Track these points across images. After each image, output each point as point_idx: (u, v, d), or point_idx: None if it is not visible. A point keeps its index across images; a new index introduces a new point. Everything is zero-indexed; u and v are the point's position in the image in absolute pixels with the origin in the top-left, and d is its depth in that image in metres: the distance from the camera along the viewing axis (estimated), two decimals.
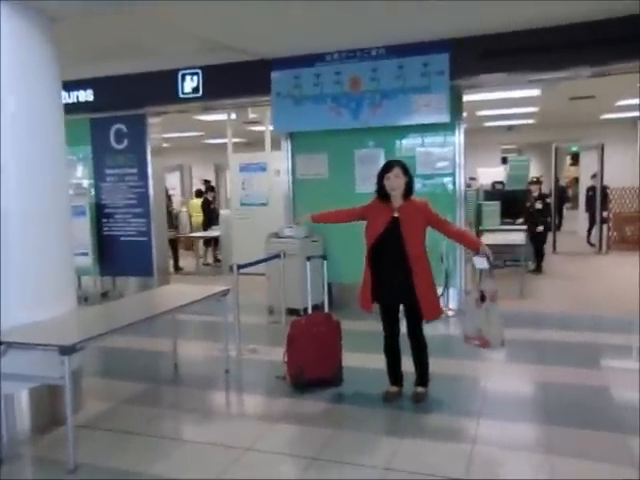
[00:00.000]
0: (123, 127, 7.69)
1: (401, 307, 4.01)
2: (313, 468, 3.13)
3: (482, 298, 3.74)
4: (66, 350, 3.09)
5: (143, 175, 7.69)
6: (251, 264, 5.67)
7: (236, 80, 6.87)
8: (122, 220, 7.87)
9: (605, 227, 11.43)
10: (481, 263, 3.76)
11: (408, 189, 3.87)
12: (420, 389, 3.96)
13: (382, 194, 3.92)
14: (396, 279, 3.88)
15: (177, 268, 10.27)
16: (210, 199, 11.35)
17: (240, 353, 5.12)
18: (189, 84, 7.07)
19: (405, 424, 3.63)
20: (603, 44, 5.62)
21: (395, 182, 3.81)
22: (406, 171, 3.86)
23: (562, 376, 4.39)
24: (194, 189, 13.46)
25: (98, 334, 3.40)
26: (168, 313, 4.25)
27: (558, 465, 3.05)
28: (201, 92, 7.06)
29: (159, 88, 7.25)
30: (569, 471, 3.00)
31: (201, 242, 10.98)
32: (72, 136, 7.62)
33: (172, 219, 10.70)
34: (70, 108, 7.65)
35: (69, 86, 7.60)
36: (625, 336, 5.51)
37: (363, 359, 4.76)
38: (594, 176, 11.59)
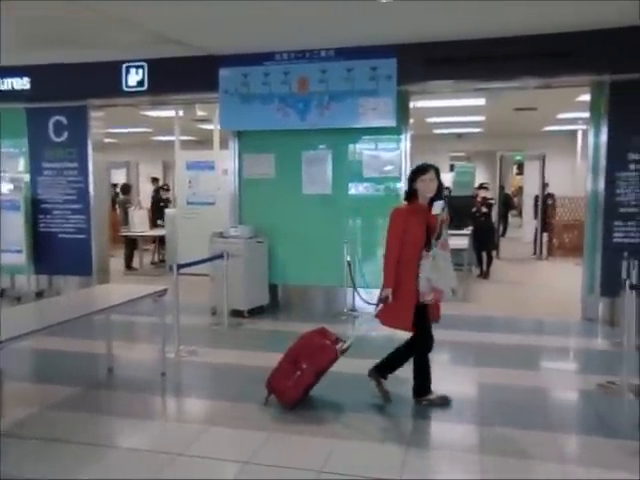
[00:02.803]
0: (63, 119, 7.38)
1: None
2: (245, 472, 3.05)
3: (429, 248, 3.71)
4: None
5: (83, 170, 7.40)
6: (192, 264, 5.54)
7: (183, 75, 6.74)
8: (60, 216, 7.54)
9: (546, 234, 11.85)
10: (437, 208, 3.71)
11: (438, 193, 3.76)
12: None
13: (411, 195, 3.79)
14: None
15: (129, 267, 9.97)
16: (163, 197, 11.05)
17: (178, 355, 4.99)
18: (134, 77, 6.86)
19: (340, 426, 3.60)
20: (549, 57, 5.81)
21: (432, 185, 3.71)
22: (438, 175, 3.77)
23: (501, 377, 4.48)
24: (140, 186, 13.13)
25: (19, 334, 3.21)
26: (100, 313, 4.07)
27: (488, 464, 3.08)
28: (146, 86, 6.87)
29: (102, 80, 7.01)
30: (499, 470, 3.03)
31: (149, 241, 10.68)
32: (6, 126, 7.38)
33: (126, 217, 10.39)
34: (2, 96, 7.35)
35: (2, 72, 7.26)
36: (563, 338, 5.70)
37: None
38: (545, 184, 11.99)
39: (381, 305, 3.79)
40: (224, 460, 3.21)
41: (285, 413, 3.78)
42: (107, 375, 4.63)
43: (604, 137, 5.98)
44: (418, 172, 3.75)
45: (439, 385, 4.02)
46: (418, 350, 3.86)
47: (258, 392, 4.21)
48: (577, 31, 5.61)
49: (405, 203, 3.88)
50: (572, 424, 3.68)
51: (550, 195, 11.98)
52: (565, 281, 7.99)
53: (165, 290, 4.52)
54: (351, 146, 6.62)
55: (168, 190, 11.46)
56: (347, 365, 4.79)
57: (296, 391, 3.78)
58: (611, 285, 5.59)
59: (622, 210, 5.95)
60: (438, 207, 3.71)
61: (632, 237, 5.91)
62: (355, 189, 6.67)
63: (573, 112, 9.92)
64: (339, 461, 3.14)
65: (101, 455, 3.24)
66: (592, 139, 6.14)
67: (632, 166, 5.88)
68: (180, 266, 5.25)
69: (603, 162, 6.00)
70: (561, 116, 11.02)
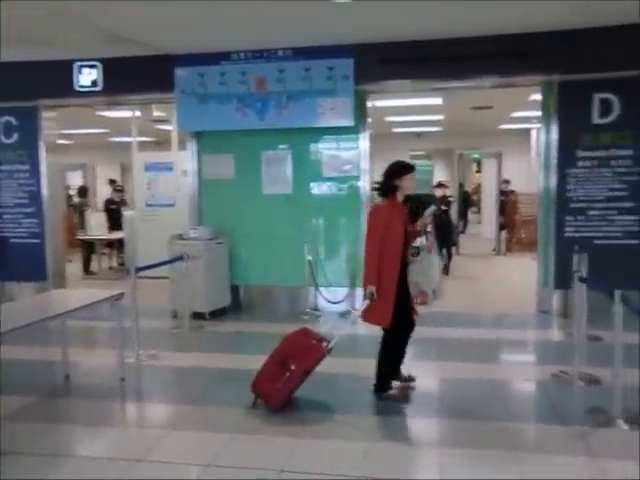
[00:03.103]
0: (12, 120, 7.14)
1: None
2: (206, 474, 3.03)
3: (417, 253, 3.97)
4: None
5: (35, 172, 7.18)
6: (150, 267, 5.46)
7: (139, 75, 6.62)
8: (11, 220, 7.29)
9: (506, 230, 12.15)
10: (429, 212, 4.03)
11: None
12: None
13: (390, 192, 3.83)
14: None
15: (87, 272, 9.73)
16: (117, 200, 10.79)
17: (138, 360, 4.90)
18: (87, 77, 6.70)
19: (301, 425, 3.61)
20: (503, 57, 5.95)
21: (414, 183, 3.85)
22: None
23: (461, 371, 4.59)
24: (97, 189, 12.82)
25: None
26: (55, 318, 3.97)
27: (446, 456, 3.15)
28: (101, 86, 6.71)
29: (53, 79, 6.82)
30: (457, 461, 3.10)
31: (106, 245, 10.43)
32: None
33: (83, 220, 10.12)
34: None
35: None
36: (519, 331, 5.86)
37: None
38: (505, 182, 12.25)
39: (367, 302, 3.77)
40: (185, 464, 3.18)
41: (247, 414, 3.77)
42: (64, 383, 4.51)
43: (554, 135, 6.17)
44: (404, 170, 3.82)
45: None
46: (390, 341, 3.90)
47: (220, 394, 4.21)
48: (529, 32, 5.78)
49: (379, 199, 3.95)
50: (526, 414, 3.80)
51: (512, 192, 12.25)
52: (522, 275, 8.20)
53: (122, 294, 4.44)
54: (310, 146, 6.64)
55: (121, 191, 11.08)
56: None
57: (284, 393, 3.73)
58: (564, 278, 5.78)
59: (572, 205, 6.16)
60: (430, 212, 3.95)
61: (582, 231, 6.12)
62: (315, 188, 6.69)
63: (527, 111, 10.19)
64: (300, 460, 3.15)
65: (60, 465, 3.16)
66: (543, 137, 6.34)
67: (581, 163, 6.09)
68: (138, 269, 5.16)
69: (554, 159, 6.19)
70: (516, 115, 11.31)
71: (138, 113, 8.91)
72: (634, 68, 5.72)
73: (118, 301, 4.41)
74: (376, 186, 4.09)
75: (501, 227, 12.02)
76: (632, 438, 3.29)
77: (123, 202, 10.74)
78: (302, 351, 3.78)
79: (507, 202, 12.13)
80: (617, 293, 3.43)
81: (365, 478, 2.95)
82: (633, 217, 6.03)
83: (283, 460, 3.14)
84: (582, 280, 4.42)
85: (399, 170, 3.82)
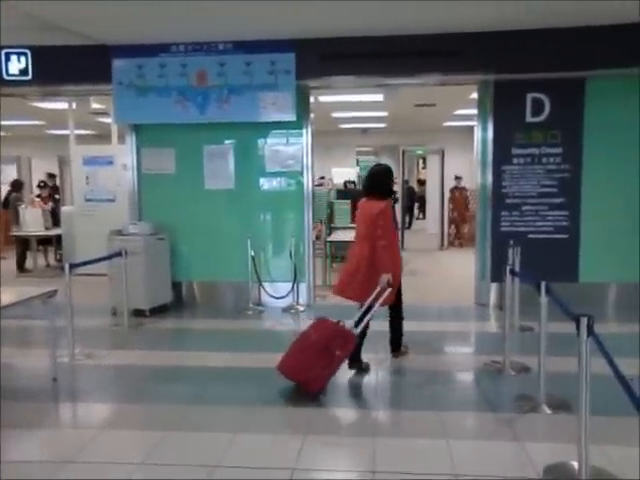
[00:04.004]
0: None
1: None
2: (138, 473, 2.97)
3: None
4: None
5: None
6: (86, 263, 5.30)
7: (74, 65, 6.37)
8: None
9: (447, 226, 12.47)
10: None
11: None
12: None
13: (388, 194, 4.47)
14: None
15: (22, 269, 9.32)
16: (44, 195, 10.32)
17: (73, 359, 4.76)
18: (15, 65, 6.37)
19: (238, 419, 3.59)
20: (443, 56, 6.06)
21: None
22: None
23: (400, 363, 4.69)
24: (33, 183, 12.27)
25: None
26: None
27: (379, 447, 3.22)
28: (31, 75, 6.40)
29: None
30: (389, 451, 3.17)
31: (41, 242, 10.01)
32: None
33: (17, 216, 9.65)
34: None
35: None
36: (456, 323, 6.03)
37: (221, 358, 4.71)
38: (457, 178, 12.53)
39: (389, 290, 4.19)
40: (116, 463, 3.10)
41: (182, 412, 3.73)
42: None
43: (490, 133, 6.38)
44: (392, 174, 4.52)
45: (346, 374, 4.14)
46: (398, 313, 4.68)
47: (157, 391, 4.14)
48: (467, 32, 5.92)
49: (365, 198, 4.47)
50: (459, 403, 3.91)
51: (463, 188, 12.54)
52: (462, 269, 8.44)
53: (55, 291, 4.29)
54: (253, 140, 6.60)
55: (44, 187, 10.47)
56: (247, 360, 4.82)
57: (328, 378, 3.93)
58: (499, 271, 5.95)
59: (508, 201, 6.39)
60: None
61: (516, 226, 6.36)
62: (258, 183, 6.67)
63: (468, 109, 10.46)
64: (236, 454, 3.15)
65: None
66: (480, 134, 6.53)
67: (515, 160, 6.32)
68: (72, 266, 5.00)
69: (490, 156, 6.40)
70: (458, 112, 11.58)
71: (75, 105, 8.58)
72: (563, 70, 5.97)
73: (51, 299, 4.26)
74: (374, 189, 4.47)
75: (450, 222, 12.34)
76: (554, 422, 3.46)
77: (48, 198, 10.21)
78: (341, 338, 3.99)
79: (459, 198, 12.45)
80: (542, 285, 3.59)
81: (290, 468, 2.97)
82: (563, 212, 6.31)
83: (219, 455, 3.12)
84: (513, 273, 4.59)
85: (391, 174, 4.51)
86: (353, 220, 9.55)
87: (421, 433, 3.37)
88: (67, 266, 4.89)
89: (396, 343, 4.76)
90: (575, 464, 2.77)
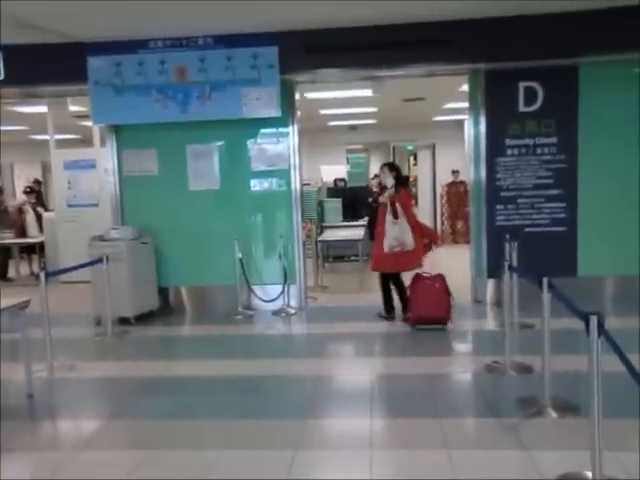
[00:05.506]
0: None
1: None
2: None
3: (395, 217, 5.49)
4: None
5: None
6: (64, 271, 5.09)
7: (48, 64, 6.05)
8: None
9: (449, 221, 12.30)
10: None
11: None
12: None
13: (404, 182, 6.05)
14: None
15: (4, 278, 9.03)
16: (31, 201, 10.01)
17: (51, 373, 4.50)
18: None
19: (225, 434, 3.37)
20: (431, 45, 5.83)
21: None
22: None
23: (395, 366, 4.51)
24: (18, 190, 11.95)
25: None
26: None
27: (377, 458, 3.00)
28: (3, 75, 6.10)
29: None
30: (388, 463, 2.96)
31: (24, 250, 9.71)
32: None
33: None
34: None
35: None
36: (456, 322, 5.80)
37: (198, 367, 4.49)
38: (455, 172, 12.32)
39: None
40: None
41: (167, 428, 3.50)
42: None
43: (483, 124, 6.18)
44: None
45: (337, 375, 3.90)
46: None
47: (140, 406, 3.91)
48: (455, 20, 5.70)
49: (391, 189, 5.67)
50: (460, 408, 3.69)
51: (461, 182, 12.33)
52: (458, 265, 8.24)
53: (28, 301, 4.04)
54: (238, 139, 6.38)
55: (30, 192, 10.15)
56: (236, 368, 4.60)
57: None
58: (496, 267, 5.77)
59: (502, 194, 6.20)
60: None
61: (512, 220, 6.17)
62: (244, 183, 6.44)
63: (458, 102, 10.27)
64: (222, 470, 2.92)
65: None
66: (472, 127, 6.34)
67: (509, 152, 6.13)
68: (49, 274, 4.75)
69: (483, 149, 6.20)
70: (448, 106, 11.40)
71: (53, 108, 8.31)
72: (555, 57, 5.78)
73: (23, 309, 4.01)
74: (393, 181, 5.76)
75: (448, 218, 12.17)
76: (562, 427, 3.26)
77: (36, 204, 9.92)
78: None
79: (457, 193, 12.25)
80: (544, 280, 3.39)
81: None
82: (559, 204, 6.13)
83: (204, 472, 2.90)
84: (511, 269, 4.39)
85: (398, 167, 5.93)
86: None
87: (419, 443, 3.15)
88: (43, 275, 4.63)
89: (407, 305, 5.61)
90: (589, 474, 2.56)
